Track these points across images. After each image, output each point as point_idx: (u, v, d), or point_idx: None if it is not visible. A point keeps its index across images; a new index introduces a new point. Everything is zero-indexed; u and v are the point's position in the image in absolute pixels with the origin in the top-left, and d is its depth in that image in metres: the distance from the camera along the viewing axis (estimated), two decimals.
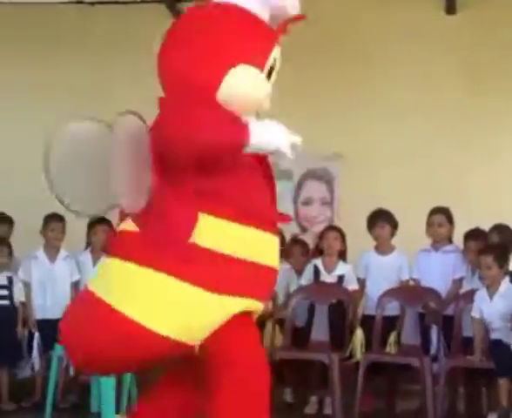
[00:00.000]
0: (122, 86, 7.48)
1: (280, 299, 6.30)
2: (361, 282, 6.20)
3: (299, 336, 6.02)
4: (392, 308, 5.95)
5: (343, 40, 7.52)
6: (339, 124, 7.40)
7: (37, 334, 6.18)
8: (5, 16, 7.80)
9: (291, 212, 7.54)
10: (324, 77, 7.45)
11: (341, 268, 6.26)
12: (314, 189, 7.66)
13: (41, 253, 6.44)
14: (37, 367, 6.13)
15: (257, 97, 2.78)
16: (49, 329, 6.04)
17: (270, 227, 2.77)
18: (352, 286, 6.16)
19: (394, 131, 7.39)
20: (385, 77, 7.44)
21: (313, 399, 6.01)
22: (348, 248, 6.35)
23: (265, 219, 2.77)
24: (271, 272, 2.77)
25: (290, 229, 7.36)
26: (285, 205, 7.44)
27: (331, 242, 6.20)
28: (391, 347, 5.72)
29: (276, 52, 2.80)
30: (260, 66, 2.75)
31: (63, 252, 6.45)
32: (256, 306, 2.75)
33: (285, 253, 6.31)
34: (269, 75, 2.79)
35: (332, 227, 6.62)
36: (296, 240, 6.78)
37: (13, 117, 7.94)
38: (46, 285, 6.37)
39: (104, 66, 7.74)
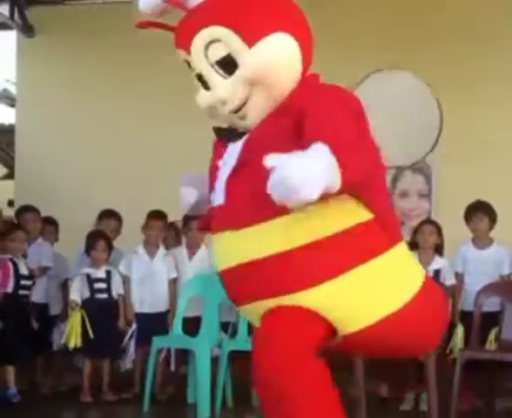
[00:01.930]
0: None
1: None
2: (460, 277, 6.12)
3: None
4: (492, 304, 5.82)
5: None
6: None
7: (134, 327, 6.33)
8: None
9: None
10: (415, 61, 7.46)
11: (438, 262, 6.16)
12: (411, 181, 7.62)
13: (141, 249, 6.60)
14: (133, 359, 6.29)
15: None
16: (147, 323, 6.32)
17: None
18: (449, 280, 6.06)
19: (494, 121, 7.32)
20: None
21: (410, 395, 5.99)
22: (447, 242, 6.25)
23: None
24: None
25: None
26: None
27: (426, 236, 6.11)
28: (491, 344, 5.65)
29: None
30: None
31: (162, 250, 6.60)
32: None
33: None
34: None
35: (427, 221, 6.54)
36: None
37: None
38: (145, 280, 6.52)
39: None
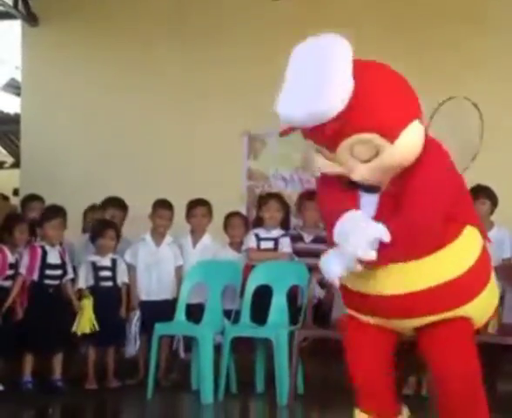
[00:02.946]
0: None
1: None
2: None
3: None
4: None
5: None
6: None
7: (137, 315, 6.41)
8: None
9: None
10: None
11: None
12: None
13: (148, 237, 6.69)
14: (137, 346, 6.35)
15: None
16: (153, 310, 6.40)
17: None
18: None
19: (499, 104, 7.27)
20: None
21: (412, 379, 6.07)
22: None
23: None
24: None
25: None
26: None
27: None
28: (493, 328, 5.73)
29: None
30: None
31: (168, 238, 6.68)
32: None
33: None
34: None
35: None
36: None
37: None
38: (151, 267, 6.61)
39: None
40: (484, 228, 3.41)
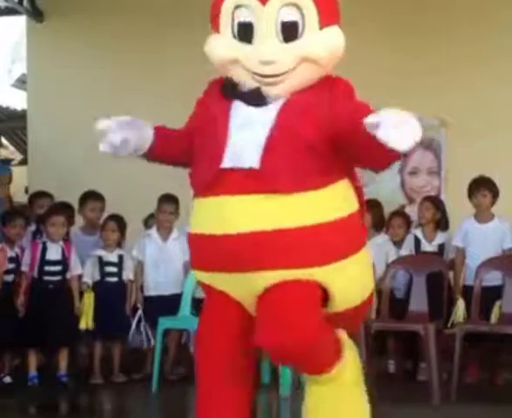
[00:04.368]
0: None
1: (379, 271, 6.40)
2: (461, 251, 6.29)
3: (399, 307, 6.18)
4: (493, 278, 6.02)
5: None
6: (443, 92, 7.53)
7: (139, 312, 6.53)
8: None
9: (397, 183, 7.80)
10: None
11: (441, 237, 6.44)
12: (421, 159, 7.78)
13: (154, 233, 6.80)
14: (145, 340, 6.48)
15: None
16: (161, 305, 6.53)
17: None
18: (452, 254, 6.33)
19: (504, 97, 7.46)
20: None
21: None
22: (457, 218, 6.47)
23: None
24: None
25: (397, 200, 7.63)
26: (391, 175, 7.69)
27: (423, 212, 6.44)
28: (495, 318, 5.85)
29: None
30: None
31: (175, 232, 6.77)
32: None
33: (383, 225, 6.61)
34: None
35: (425, 197, 6.81)
36: (395, 212, 6.95)
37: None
38: (159, 262, 6.72)
39: None
40: (362, 193, 2.99)
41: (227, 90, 2.93)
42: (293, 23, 2.82)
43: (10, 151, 13.08)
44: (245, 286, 2.86)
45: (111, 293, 6.57)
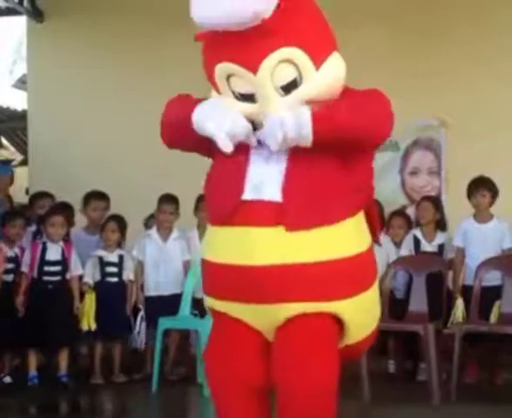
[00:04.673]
0: None
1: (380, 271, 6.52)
2: (460, 251, 6.32)
3: (399, 308, 6.20)
4: (493, 278, 6.04)
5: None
6: (443, 92, 7.55)
7: (140, 313, 6.56)
8: None
9: (398, 183, 7.83)
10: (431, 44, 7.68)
11: (440, 237, 6.47)
12: (422, 159, 7.82)
13: (154, 233, 6.83)
14: (143, 342, 6.52)
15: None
16: (161, 305, 6.55)
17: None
18: (452, 254, 6.36)
19: (504, 97, 7.49)
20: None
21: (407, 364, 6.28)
22: (457, 219, 6.49)
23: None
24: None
25: (398, 200, 7.66)
26: (392, 176, 7.73)
27: (422, 212, 6.47)
28: (495, 318, 5.86)
29: None
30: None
31: (175, 232, 6.81)
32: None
33: (383, 225, 6.63)
34: None
35: (423, 197, 6.85)
36: (395, 213, 7.00)
37: None
38: (159, 263, 6.75)
39: None
40: (378, 227, 3.11)
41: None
42: (288, 74, 2.81)
43: (10, 152, 13.10)
44: (266, 317, 2.89)
45: (112, 294, 6.60)
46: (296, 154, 2.82)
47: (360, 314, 2.93)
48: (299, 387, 2.79)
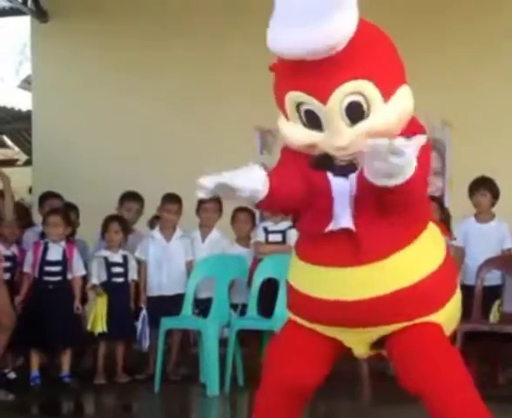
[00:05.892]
0: None
1: None
2: (460, 251, 6.34)
3: None
4: (492, 278, 6.10)
5: None
6: (447, 92, 7.62)
7: (143, 312, 6.64)
8: None
9: None
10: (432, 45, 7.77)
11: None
12: None
13: (157, 233, 6.89)
14: (147, 342, 6.59)
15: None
16: (164, 305, 6.61)
17: None
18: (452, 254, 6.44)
19: (505, 98, 7.58)
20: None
21: None
22: (460, 219, 6.55)
23: None
24: None
25: None
26: None
27: None
28: (495, 317, 5.93)
29: None
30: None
31: (178, 232, 6.87)
32: None
33: None
34: None
35: (431, 198, 6.86)
36: None
37: None
38: (162, 263, 6.81)
39: None
40: (444, 227, 3.35)
41: (320, 163, 3.01)
42: (356, 104, 2.88)
43: (15, 152, 13.20)
44: (358, 337, 3.10)
45: (118, 294, 6.68)
46: (364, 184, 2.89)
47: (453, 314, 3.17)
48: (450, 394, 3.00)
